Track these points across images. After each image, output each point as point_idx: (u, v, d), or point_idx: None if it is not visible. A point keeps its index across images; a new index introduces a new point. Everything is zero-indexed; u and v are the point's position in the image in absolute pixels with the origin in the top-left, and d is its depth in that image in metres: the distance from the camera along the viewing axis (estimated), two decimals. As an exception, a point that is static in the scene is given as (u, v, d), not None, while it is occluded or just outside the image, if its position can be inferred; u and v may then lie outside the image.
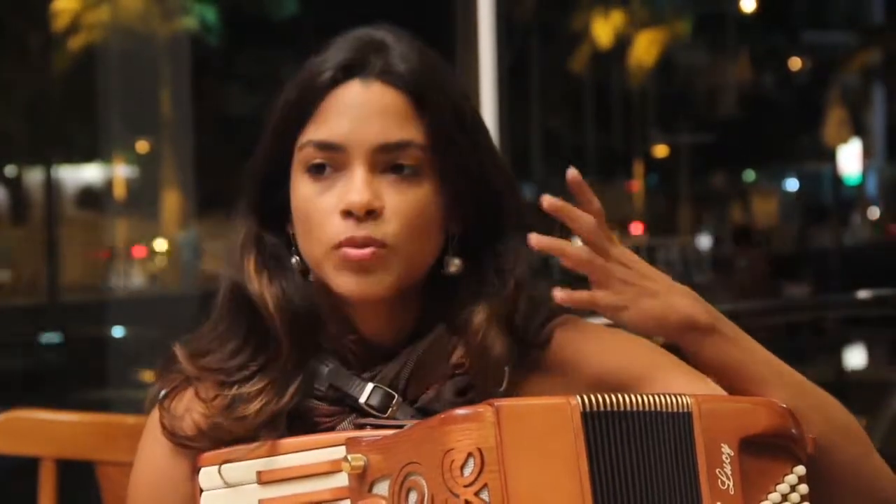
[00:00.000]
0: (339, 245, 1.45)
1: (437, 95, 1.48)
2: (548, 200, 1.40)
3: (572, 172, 1.42)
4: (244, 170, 1.54)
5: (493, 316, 1.48)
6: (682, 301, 1.43)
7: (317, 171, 1.47)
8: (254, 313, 1.49)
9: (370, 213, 1.45)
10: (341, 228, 1.45)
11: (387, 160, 1.46)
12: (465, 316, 1.49)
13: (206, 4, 11.83)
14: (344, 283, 1.45)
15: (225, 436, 1.45)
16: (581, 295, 1.41)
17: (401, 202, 1.46)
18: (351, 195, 1.45)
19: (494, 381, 1.47)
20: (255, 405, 1.45)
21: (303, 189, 1.48)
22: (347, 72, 1.48)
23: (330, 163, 1.47)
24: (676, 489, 1.36)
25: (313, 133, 1.47)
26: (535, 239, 1.41)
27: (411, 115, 1.47)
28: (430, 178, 1.48)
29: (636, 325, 1.43)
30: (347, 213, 1.45)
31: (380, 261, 1.45)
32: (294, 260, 1.51)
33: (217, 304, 1.52)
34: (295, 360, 1.47)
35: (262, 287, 1.49)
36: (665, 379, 1.49)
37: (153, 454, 1.50)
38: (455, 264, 1.50)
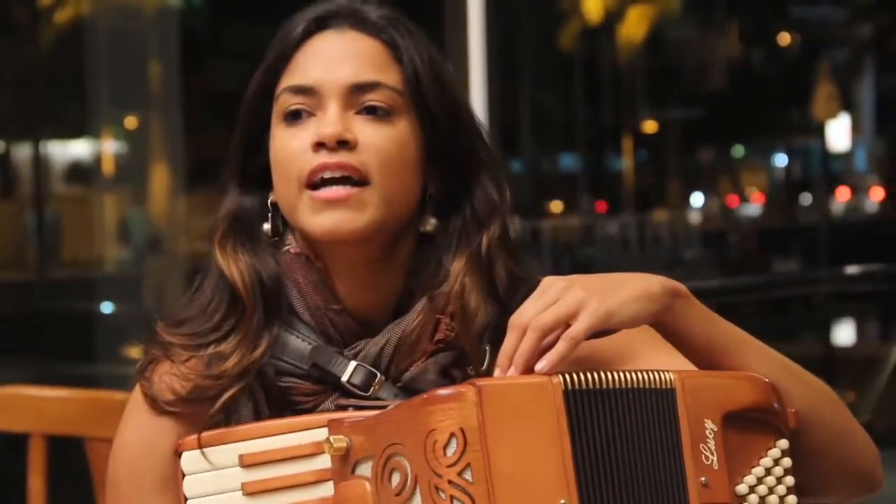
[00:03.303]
0: (312, 173, 1.46)
1: (410, 44, 1.50)
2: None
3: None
4: (228, 142, 1.56)
5: (470, 267, 1.48)
6: (652, 276, 1.42)
7: (293, 118, 1.49)
8: (227, 281, 1.50)
9: (342, 144, 1.46)
10: (313, 159, 1.46)
11: (360, 100, 1.48)
12: (443, 275, 1.49)
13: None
14: (318, 222, 1.46)
15: (202, 394, 1.47)
16: (558, 350, 1.35)
17: (375, 137, 1.47)
18: (323, 128, 1.46)
19: (476, 356, 1.47)
20: (231, 360, 1.47)
21: (279, 136, 1.50)
22: (320, 23, 1.51)
23: (305, 107, 1.48)
24: (660, 465, 1.36)
25: (287, 80, 1.50)
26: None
27: (385, 60, 1.50)
28: (404, 120, 1.49)
29: (626, 317, 1.38)
30: (319, 145, 1.46)
31: (353, 198, 1.45)
32: (265, 227, 1.52)
33: (200, 277, 1.54)
34: (263, 318, 1.48)
35: (228, 255, 1.51)
36: (647, 355, 1.50)
37: (135, 425, 1.52)
38: (431, 223, 1.51)
